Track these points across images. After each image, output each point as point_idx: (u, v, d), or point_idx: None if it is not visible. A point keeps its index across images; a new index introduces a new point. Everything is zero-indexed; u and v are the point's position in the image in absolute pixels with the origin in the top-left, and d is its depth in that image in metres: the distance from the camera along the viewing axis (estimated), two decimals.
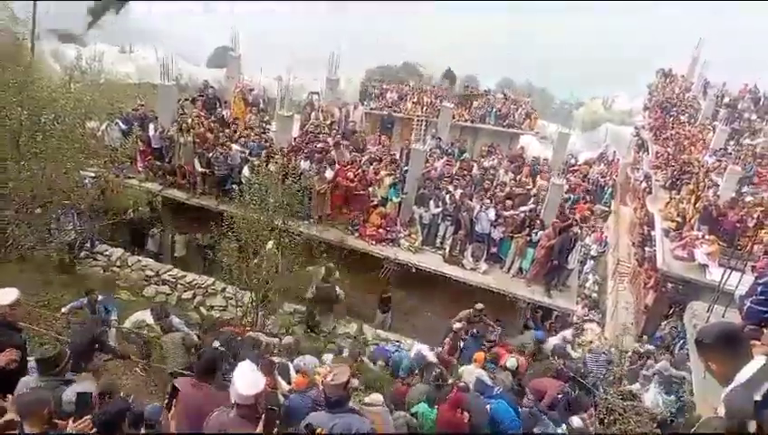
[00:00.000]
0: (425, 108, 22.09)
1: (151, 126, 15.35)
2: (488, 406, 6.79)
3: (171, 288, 13.28)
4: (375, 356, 10.83)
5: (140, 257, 14.02)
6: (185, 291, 13.27)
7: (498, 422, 6.66)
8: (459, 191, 14.57)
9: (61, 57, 14.36)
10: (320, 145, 15.23)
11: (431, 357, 9.21)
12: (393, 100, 22.22)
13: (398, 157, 16.20)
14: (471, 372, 8.51)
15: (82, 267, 13.11)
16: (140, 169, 15.15)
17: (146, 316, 10.12)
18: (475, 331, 11.15)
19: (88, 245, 13.65)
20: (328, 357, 9.75)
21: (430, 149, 16.71)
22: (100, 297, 9.53)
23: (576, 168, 18.96)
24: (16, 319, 5.34)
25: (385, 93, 22.35)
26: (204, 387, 4.64)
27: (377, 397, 6.25)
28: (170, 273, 13.57)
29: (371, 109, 21.21)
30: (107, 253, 13.73)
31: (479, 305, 11.60)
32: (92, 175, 12.77)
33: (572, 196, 15.96)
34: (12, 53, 12.02)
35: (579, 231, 13.53)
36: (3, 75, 11.10)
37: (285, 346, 9.38)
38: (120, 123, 15.08)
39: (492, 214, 13.73)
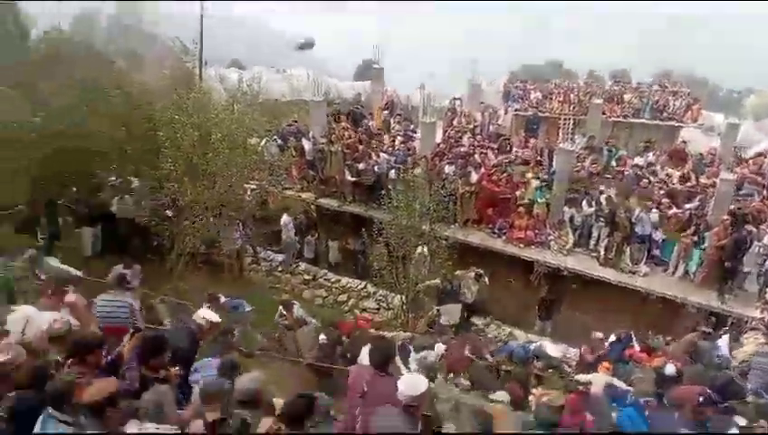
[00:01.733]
0: (572, 106, 21.21)
1: (305, 140, 16.35)
2: (613, 413, 6.28)
3: (327, 291, 13.97)
4: (500, 353, 10.53)
5: (299, 262, 14.92)
6: (339, 294, 13.91)
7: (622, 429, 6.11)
8: (613, 191, 13.81)
9: (224, 81, 15.66)
10: (462, 149, 15.21)
11: (553, 352, 8.60)
12: (538, 99, 21.59)
13: (544, 157, 15.71)
14: (599, 380, 7.93)
15: (248, 272, 14.22)
16: (296, 180, 16.16)
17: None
18: (621, 335, 10.30)
19: (251, 251, 14.81)
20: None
21: (579, 148, 16.00)
22: (222, 299, 9.75)
23: (749, 160, 17.08)
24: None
25: (528, 93, 21.78)
26: (384, 377, 4.52)
27: (502, 394, 6.22)
28: (326, 277, 14.31)
29: (515, 110, 20.77)
30: (269, 259, 14.79)
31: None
32: (254, 187, 13.79)
33: (745, 190, 14.40)
34: (184, 81, 13.37)
35: (755, 229, 12.15)
36: (178, 101, 12.37)
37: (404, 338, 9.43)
38: (277, 139, 16.21)
39: (655, 215, 12.79)
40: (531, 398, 4.36)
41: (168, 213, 12.13)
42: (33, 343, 4.96)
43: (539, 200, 14.04)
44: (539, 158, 15.43)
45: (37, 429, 3.79)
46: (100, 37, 16.04)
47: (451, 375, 7.74)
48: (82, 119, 11.55)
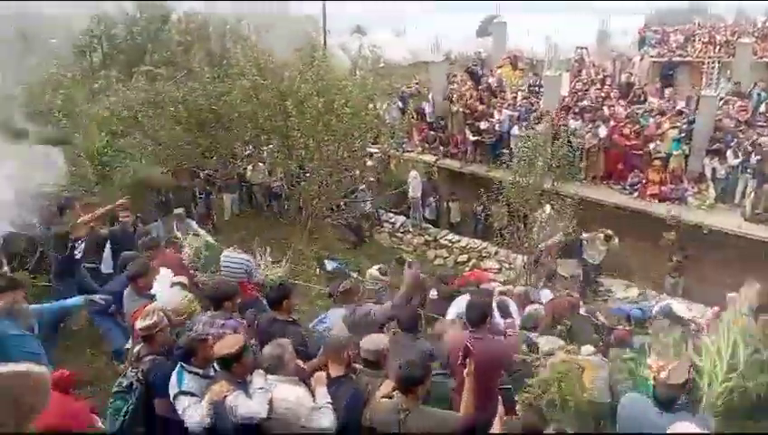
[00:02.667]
0: (718, 48, 19.13)
1: (425, 101, 16.39)
2: None
3: (448, 252, 14.10)
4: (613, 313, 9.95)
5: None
6: (460, 254, 13.97)
7: None
8: (765, 138, 12.46)
9: (347, 48, 16.05)
10: (589, 102, 14.45)
11: (681, 311, 7.90)
12: (678, 43, 19.71)
13: (683, 106, 14.47)
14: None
15: (372, 234, 14.70)
16: (417, 142, 16.29)
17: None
18: None
19: (376, 214, 15.26)
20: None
21: (724, 94, 14.55)
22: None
23: None
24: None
25: (668, 37, 19.93)
26: (485, 336, 4.48)
27: (587, 349, 6.18)
28: (447, 238, 14.42)
29: (651, 57, 19.15)
30: (392, 220, 15.17)
31: None
32: (376, 151, 14.12)
33: None
34: (308, 50, 13.85)
35: None
36: (303, 70, 12.88)
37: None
38: (398, 102, 16.39)
39: None
40: (647, 372, 3.99)
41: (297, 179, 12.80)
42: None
43: (676, 153, 13.07)
44: (678, 107, 14.24)
45: (173, 381, 4.16)
46: (233, 14, 16.92)
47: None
48: (220, 92, 12.43)
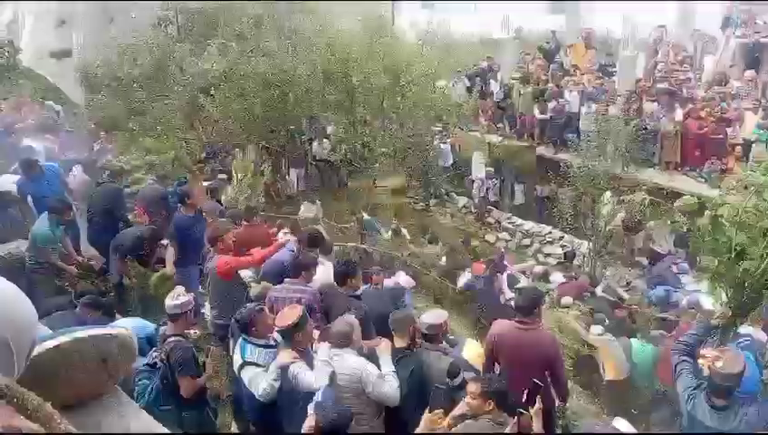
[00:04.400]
0: None
1: (492, 80, 16.07)
2: None
3: (511, 235, 13.89)
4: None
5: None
6: (523, 238, 13.74)
7: None
8: None
9: (415, 23, 15.89)
10: (666, 85, 13.79)
11: (708, 305, 7.65)
12: (766, 23, 18.45)
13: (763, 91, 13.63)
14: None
15: (434, 214, 14.64)
16: (483, 122, 16.03)
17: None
18: None
19: (443, 192, 15.16)
20: None
21: None
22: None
23: None
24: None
25: (755, 18, 18.66)
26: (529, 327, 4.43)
27: (598, 328, 7.19)
28: (510, 220, 14.19)
29: (736, 37, 18.02)
30: (454, 201, 15.06)
31: None
32: (440, 129, 13.99)
33: None
34: (376, 28, 13.79)
35: None
36: (370, 47, 12.86)
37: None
38: (465, 80, 16.14)
39: None
40: (701, 361, 3.94)
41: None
42: None
43: (762, 139, 12.32)
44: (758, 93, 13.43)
45: (237, 353, 4.38)
46: None
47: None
48: (289, 67, 12.59)
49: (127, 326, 4.89)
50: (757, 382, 5.28)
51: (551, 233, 13.57)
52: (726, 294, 4.49)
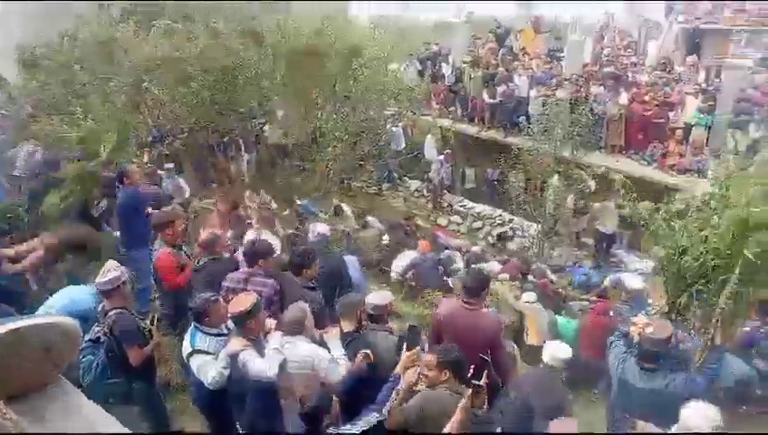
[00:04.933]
0: (748, 16, 18.52)
1: (444, 63, 16.13)
2: None
3: (462, 218, 14.08)
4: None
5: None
6: (474, 221, 13.95)
7: None
8: None
9: (368, 8, 15.82)
10: (610, 69, 14.15)
11: (634, 284, 8.11)
12: (707, 10, 19.10)
13: (710, 76, 14.15)
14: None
15: (387, 198, 14.70)
16: (435, 105, 16.11)
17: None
18: None
19: (395, 176, 15.23)
20: None
21: (753, 64, 14.17)
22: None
23: None
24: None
25: (696, 4, 19.29)
26: (474, 308, 4.49)
27: (530, 295, 7.60)
28: (461, 204, 14.38)
29: (679, 23, 18.59)
30: (406, 185, 15.15)
31: None
32: (391, 113, 13.99)
33: None
34: (329, 12, 13.62)
35: None
36: (321, 29, 12.70)
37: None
38: (417, 63, 16.16)
39: None
40: (632, 329, 4.21)
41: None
42: None
43: (700, 124, 12.81)
44: (700, 76, 13.93)
45: (187, 340, 4.33)
46: None
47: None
48: (238, 49, 12.32)
49: (61, 301, 4.82)
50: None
51: (501, 216, 13.84)
52: (667, 290, 4.86)
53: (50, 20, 14.55)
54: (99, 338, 4.39)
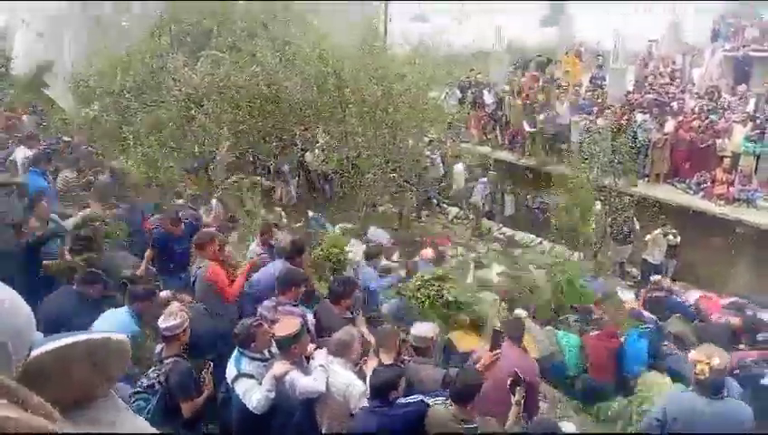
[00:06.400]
0: None
1: (485, 91, 16.21)
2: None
3: (501, 245, 13.94)
4: None
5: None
6: (514, 248, 13.80)
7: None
8: None
9: (408, 35, 16.01)
10: (654, 97, 14.00)
11: (624, 296, 7.80)
12: (754, 37, 18.73)
13: (760, 104, 13.83)
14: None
15: (426, 223, 14.67)
16: (474, 133, 16.14)
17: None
18: None
19: (435, 202, 15.22)
20: None
21: None
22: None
23: None
24: None
25: (743, 31, 18.94)
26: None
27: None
28: (500, 231, 14.26)
29: (725, 51, 18.28)
30: (446, 211, 15.13)
31: None
32: (430, 140, 14.07)
33: None
34: (367, 38, 13.89)
35: None
36: (361, 59, 12.95)
37: None
38: (457, 91, 16.26)
39: None
40: (698, 367, 4.04)
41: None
42: None
43: (748, 152, 12.50)
44: (749, 105, 13.64)
45: (231, 365, 4.36)
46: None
47: None
48: (282, 78, 12.64)
49: (110, 324, 4.90)
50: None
51: (541, 244, 13.65)
52: None
53: (96, 34, 15.21)
54: (153, 384, 4.33)
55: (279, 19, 15.27)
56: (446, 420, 3.60)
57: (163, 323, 4.45)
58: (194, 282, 6.02)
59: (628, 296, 7.69)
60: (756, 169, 12.43)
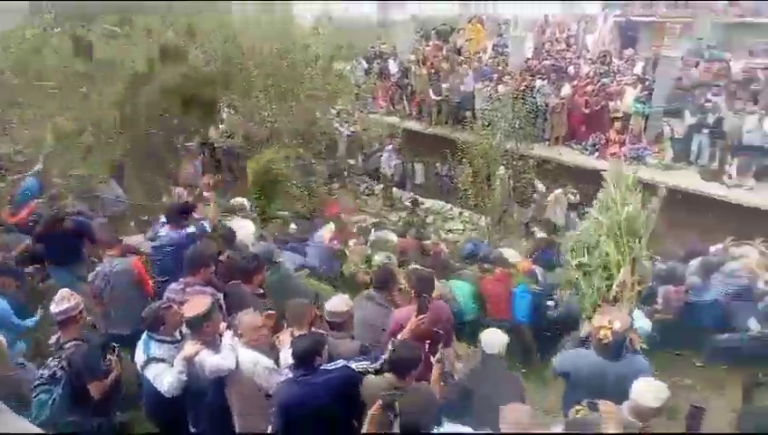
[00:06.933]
0: (681, 8, 19.23)
1: (391, 61, 16.23)
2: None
3: (412, 214, 14.16)
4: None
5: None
6: (425, 216, 14.06)
7: None
8: (721, 98, 12.71)
9: (311, 6, 15.74)
10: (551, 63, 14.53)
11: (512, 257, 8.36)
12: (641, 2, 19.70)
13: (642, 67, 14.65)
14: None
15: (337, 196, 14.64)
16: (382, 103, 16.18)
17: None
18: None
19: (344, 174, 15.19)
20: None
21: (683, 55, 14.73)
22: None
23: None
24: None
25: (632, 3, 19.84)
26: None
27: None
28: (410, 199, 14.47)
29: (615, 16, 19.13)
30: (356, 182, 15.16)
31: None
32: (337, 111, 14.00)
33: None
34: (271, 10, 13.53)
35: None
36: (265, 30, 12.63)
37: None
38: (363, 62, 16.20)
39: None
40: (602, 332, 4.18)
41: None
42: None
43: (638, 113, 13.25)
44: (636, 68, 14.43)
45: (140, 350, 4.22)
46: None
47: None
48: (184, 54, 12.12)
49: None
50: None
51: (451, 210, 13.99)
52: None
53: None
54: (54, 373, 4.16)
55: None
56: (380, 390, 3.56)
57: (56, 307, 4.28)
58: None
59: (510, 253, 7.94)
60: (645, 128, 13.20)
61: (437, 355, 4.09)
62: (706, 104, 12.48)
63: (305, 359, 3.71)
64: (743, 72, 13.83)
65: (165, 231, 5.75)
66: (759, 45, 15.83)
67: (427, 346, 4.07)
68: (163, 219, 5.92)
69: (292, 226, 10.16)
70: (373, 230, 9.27)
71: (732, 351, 6.41)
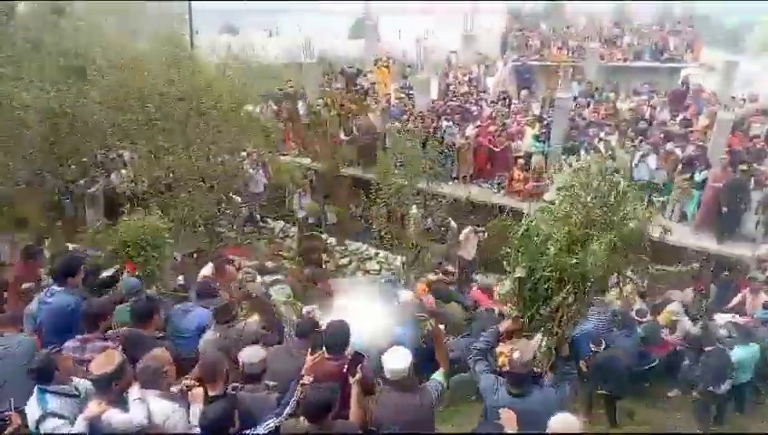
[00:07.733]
0: (571, 52, 20.74)
1: (300, 103, 16.22)
2: None
3: (329, 256, 14.03)
4: None
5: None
6: (341, 257, 13.97)
7: None
8: (613, 137, 13.69)
9: (217, 48, 15.48)
10: (456, 104, 15.13)
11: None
12: (536, 47, 21.06)
13: (539, 108, 15.59)
14: None
15: (251, 240, 14.28)
16: (293, 145, 16.08)
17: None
18: None
19: (258, 218, 14.84)
20: None
21: (576, 96, 15.81)
22: None
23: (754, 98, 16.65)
24: None
25: (527, 42, 21.18)
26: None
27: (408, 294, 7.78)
28: (327, 241, 14.35)
29: (513, 60, 20.30)
30: (270, 226, 14.87)
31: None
32: (247, 154, 13.74)
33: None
34: (174, 52, 13.14)
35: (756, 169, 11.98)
36: (167, 73, 12.21)
37: None
38: (272, 103, 16.07)
39: (653, 162, 12.58)
40: (500, 359, 4.36)
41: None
42: None
43: (538, 151, 13.97)
44: (533, 108, 15.35)
45: (33, 405, 3.84)
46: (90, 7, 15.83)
47: None
48: (76, 94, 11.46)
49: None
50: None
51: (367, 250, 14.00)
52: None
53: None
54: None
55: (64, 26, 13.86)
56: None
57: None
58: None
59: (406, 295, 8.12)
60: (546, 165, 13.93)
61: (357, 375, 3.96)
62: (598, 143, 13.39)
63: (214, 432, 3.58)
64: (628, 111, 14.98)
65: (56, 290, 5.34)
66: (643, 88, 17.27)
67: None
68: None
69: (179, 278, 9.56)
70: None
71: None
